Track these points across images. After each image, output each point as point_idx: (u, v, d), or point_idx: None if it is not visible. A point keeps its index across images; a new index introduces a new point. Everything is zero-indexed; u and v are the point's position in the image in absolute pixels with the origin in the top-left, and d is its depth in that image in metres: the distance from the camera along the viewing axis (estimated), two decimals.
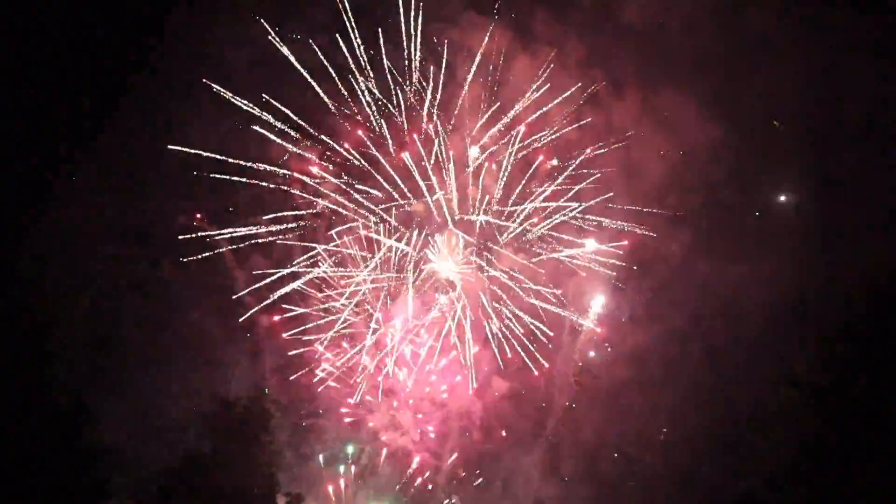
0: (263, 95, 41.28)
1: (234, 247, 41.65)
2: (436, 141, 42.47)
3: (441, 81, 42.15)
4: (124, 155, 40.62)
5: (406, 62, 42.16)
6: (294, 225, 42.06)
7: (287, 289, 41.59)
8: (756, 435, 33.93)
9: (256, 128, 41.35)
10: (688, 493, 39.84)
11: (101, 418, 31.59)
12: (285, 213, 42.00)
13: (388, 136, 42.31)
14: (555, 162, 43.51)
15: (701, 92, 41.62)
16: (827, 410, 28.89)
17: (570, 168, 43.07)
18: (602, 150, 42.88)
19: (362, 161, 42.29)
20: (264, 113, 41.41)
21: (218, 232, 41.35)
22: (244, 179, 41.16)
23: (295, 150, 41.86)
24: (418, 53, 42.23)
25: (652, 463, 42.13)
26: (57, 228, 37.82)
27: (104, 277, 39.21)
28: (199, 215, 41.63)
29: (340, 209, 42.20)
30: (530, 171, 43.04)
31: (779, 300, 38.96)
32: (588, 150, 42.99)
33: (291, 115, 41.65)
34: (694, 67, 42.42)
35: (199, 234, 41.22)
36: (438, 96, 42.30)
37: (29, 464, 28.94)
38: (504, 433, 43.70)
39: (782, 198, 42.90)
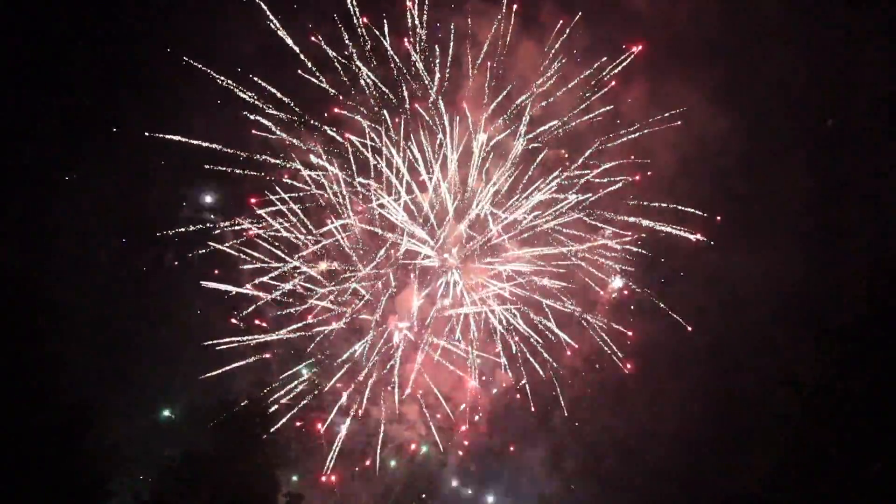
0: (266, 85, 41.39)
1: (238, 240, 41.75)
2: (439, 131, 42.34)
3: (447, 70, 42.13)
4: (125, 148, 40.70)
5: (410, 47, 42.04)
6: (297, 218, 42.08)
7: (290, 285, 41.66)
8: (755, 434, 33.54)
9: (260, 119, 41.50)
10: (687, 491, 39.68)
11: (101, 417, 31.79)
12: (289, 206, 41.96)
13: (391, 127, 42.15)
14: (562, 153, 43.17)
15: (709, 82, 41.25)
16: (826, 410, 28.49)
17: (581, 159, 42.74)
18: (611, 144, 42.58)
19: (365, 151, 42.20)
20: (267, 105, 41.49)
21: (220, 225, 41.45)
22: (247, 171, 41.33)
23: (297, 142, 41.85)
24: (422, 40, 42.11)
25: (653, 459, 41.91)
26: (59, 223, 38.04)
27: (107, 273, 39.41)
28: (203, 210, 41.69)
29: (343, 200, 42.14)
30: (537, 161, 42.75)
31: (780, 298, 38.57)
32: (597, 142, 42.70)
33: (294, 105, 41.73)
34: (704, 56, 41.99)
35: (202, 226, 41.30)
36: (444, 86, 42.22)
37: (30, 463, 29.25)
38: (509, 428, 43.67)
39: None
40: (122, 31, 40.51)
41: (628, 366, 42.11)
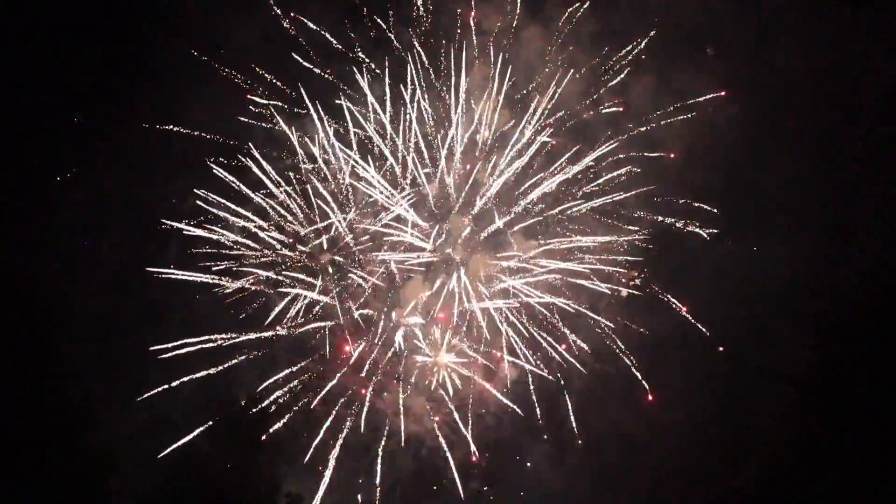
0: (268, 76, 40.97)
1: (243, 234, 41.38)
2: (444, 122, 41.95)
3: (452, 61, 41.44)
4: (127, 143, 40.31)
5: (415, 38, 41.54)
6: (300, 210, 41.68)
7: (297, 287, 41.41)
8: (753, 433, 33.21)
9: (262, 110, 41.24)
10: (688, 487, 39.59)
11: (101, 418, 31.71)
12: (294, 198, 41.60)
13: (392, 119, 41.68)
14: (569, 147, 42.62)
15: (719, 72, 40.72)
16: (825, 410, 28.25)
17: (595, 154, 42.19)
18: (621, 138, 42.03)
19: (372, 142, 41.81)
20: (270, 95, 41.11)
21: (222, 216, 41.05)
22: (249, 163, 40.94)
23: (298, 133, 41.48)
24: (428, 28, 41.86)
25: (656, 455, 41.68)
26: (59, 221, 37.78)
27: (108, 271, 39.09)
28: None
29: (346, 192, 41.75)
30: (542, 152, 42.23)
31: (785, 294, 38.23)
32: (607, 133, 42.23)
33: (296, 95, 41.36)
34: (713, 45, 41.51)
35: (204, 218, 40.87)
36: (452, 78, 41.60)
37: (30, 463, 29.24)
38: (515, 422, 43.29)
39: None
40: (121, 23, 40.10)
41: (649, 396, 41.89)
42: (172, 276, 39.23)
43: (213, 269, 40.17)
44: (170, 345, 38.10)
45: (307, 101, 40.86)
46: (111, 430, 32.53)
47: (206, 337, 39.04)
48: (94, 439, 30.79)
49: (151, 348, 37.57)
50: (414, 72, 41.32)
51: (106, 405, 33.28)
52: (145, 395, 36.22)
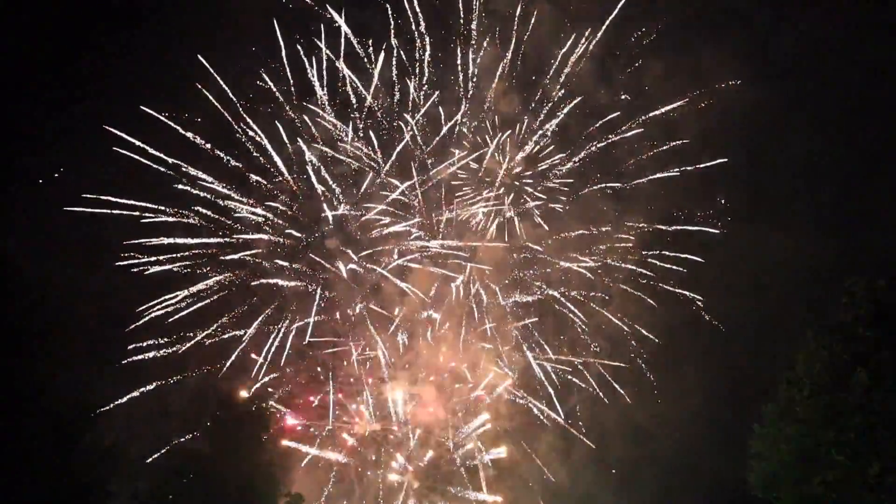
0: (270, 62, 40.40)
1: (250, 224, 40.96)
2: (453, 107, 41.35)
3: (459, 43, 41.16)
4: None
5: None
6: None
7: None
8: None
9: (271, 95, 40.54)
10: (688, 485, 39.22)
11: (100, 418, 31.56)
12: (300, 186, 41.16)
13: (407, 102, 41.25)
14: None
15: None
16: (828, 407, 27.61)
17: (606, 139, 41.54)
18: (634, 123, 41.16)
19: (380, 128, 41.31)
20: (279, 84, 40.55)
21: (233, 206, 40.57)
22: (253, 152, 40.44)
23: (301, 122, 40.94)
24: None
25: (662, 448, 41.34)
26: (58, 222, 37.57)
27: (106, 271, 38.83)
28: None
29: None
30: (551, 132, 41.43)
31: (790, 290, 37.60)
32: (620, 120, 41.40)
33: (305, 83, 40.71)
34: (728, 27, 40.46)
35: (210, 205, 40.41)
36: (459, 57, 41.19)
37: (30, 463, 29.14)
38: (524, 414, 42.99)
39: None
40: (120, 15, 39.65)
41: None
42: (173, 271, 39.19)
43: (216, 261, 40.11)
44: (169, 339, 38.18)
45: (314, 84, 40.49)
46: (111, 430, 32.38)
47: (207, 332, 39.03)
48: (93, 439, 30.64)
49: (151, 344, 37.64)
50: (421, 52, 40.83)
51: (106, 405, 33.25)
52: (144, 391, 36.46)
